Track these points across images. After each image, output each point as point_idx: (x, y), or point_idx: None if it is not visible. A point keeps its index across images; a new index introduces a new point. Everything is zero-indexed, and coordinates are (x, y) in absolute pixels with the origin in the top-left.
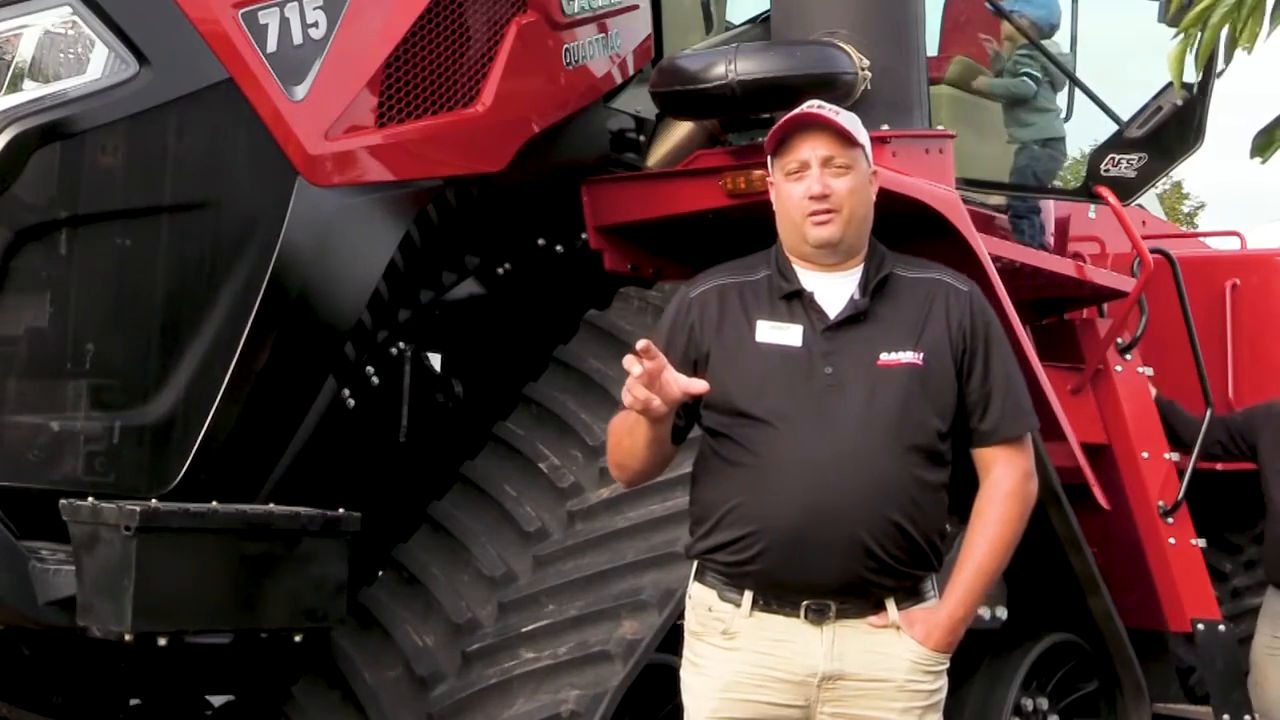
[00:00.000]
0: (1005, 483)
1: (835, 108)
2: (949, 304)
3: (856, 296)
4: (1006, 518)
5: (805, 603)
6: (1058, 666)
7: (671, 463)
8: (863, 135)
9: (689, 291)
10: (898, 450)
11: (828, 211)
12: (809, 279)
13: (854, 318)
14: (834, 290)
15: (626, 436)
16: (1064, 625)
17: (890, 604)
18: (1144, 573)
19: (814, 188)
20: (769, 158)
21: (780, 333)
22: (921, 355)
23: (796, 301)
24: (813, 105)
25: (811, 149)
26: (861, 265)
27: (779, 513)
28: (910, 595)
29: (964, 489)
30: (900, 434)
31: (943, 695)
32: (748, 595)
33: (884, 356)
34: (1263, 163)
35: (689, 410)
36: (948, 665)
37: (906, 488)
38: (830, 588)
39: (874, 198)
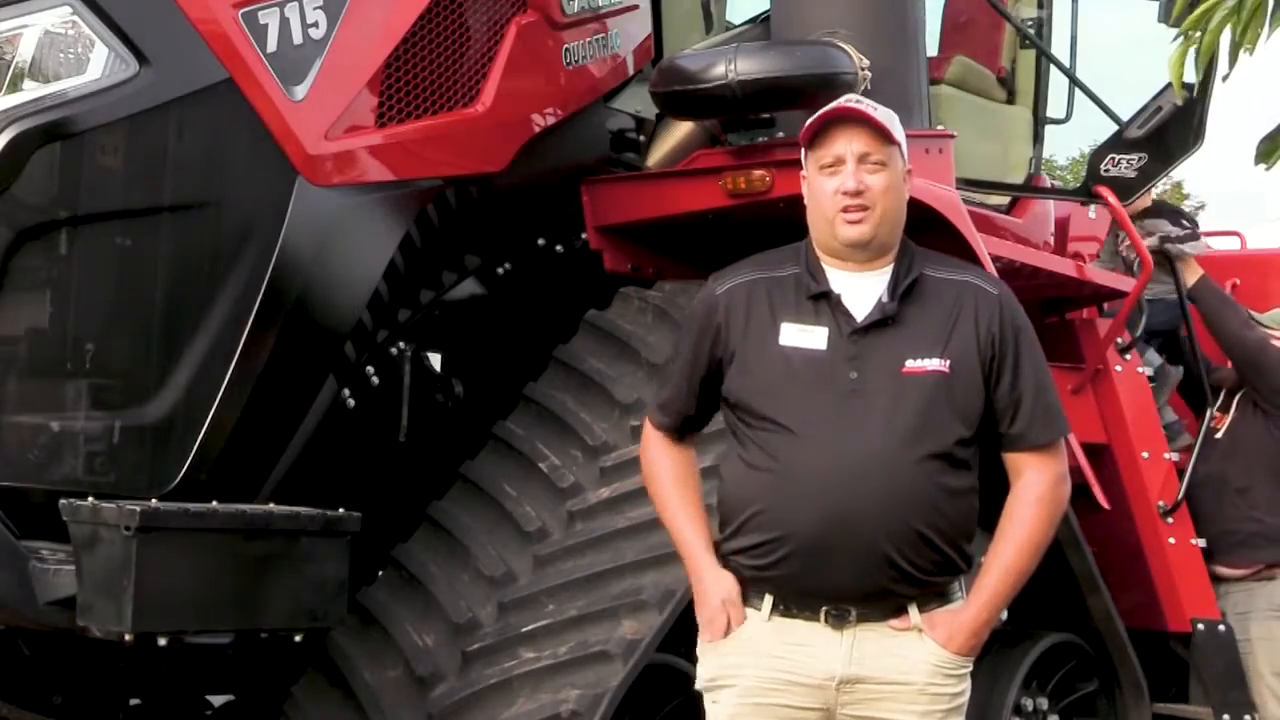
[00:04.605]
0: (1035, 488)
1: (874, 104)
2: (978, 308)
3: (885, 300)
4: (1034, 522)
5: (825, 608)
6: (1058, 666)
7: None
8: (899, 133)
9: (716, 288)
10: (921, 458)
11: (861, 209)
12: (838, 278)
13: (881, 322)
14: (862, 291)
15: (664, 512)
16: (1064, 625)
17: (912, 608)
18: (1144, 573)
19: (848, 183)
20: (803, 150)
21: (805, 335)
22: (948, 363)
23: (824, 302)
24: (851, 99)
25: (848, 144)
26: (891, 265)
27: (800, 521)
28: (936, 598)
29: (995, 494)
30: (924, 442)
31: (965, 699)
32: (768, 600)
33: (909, 364)
34: (1267, 169)
35: (704, 405)
36: (970, 668)
37: (930, 496)
38: (851, 595)
39: (907, 196)
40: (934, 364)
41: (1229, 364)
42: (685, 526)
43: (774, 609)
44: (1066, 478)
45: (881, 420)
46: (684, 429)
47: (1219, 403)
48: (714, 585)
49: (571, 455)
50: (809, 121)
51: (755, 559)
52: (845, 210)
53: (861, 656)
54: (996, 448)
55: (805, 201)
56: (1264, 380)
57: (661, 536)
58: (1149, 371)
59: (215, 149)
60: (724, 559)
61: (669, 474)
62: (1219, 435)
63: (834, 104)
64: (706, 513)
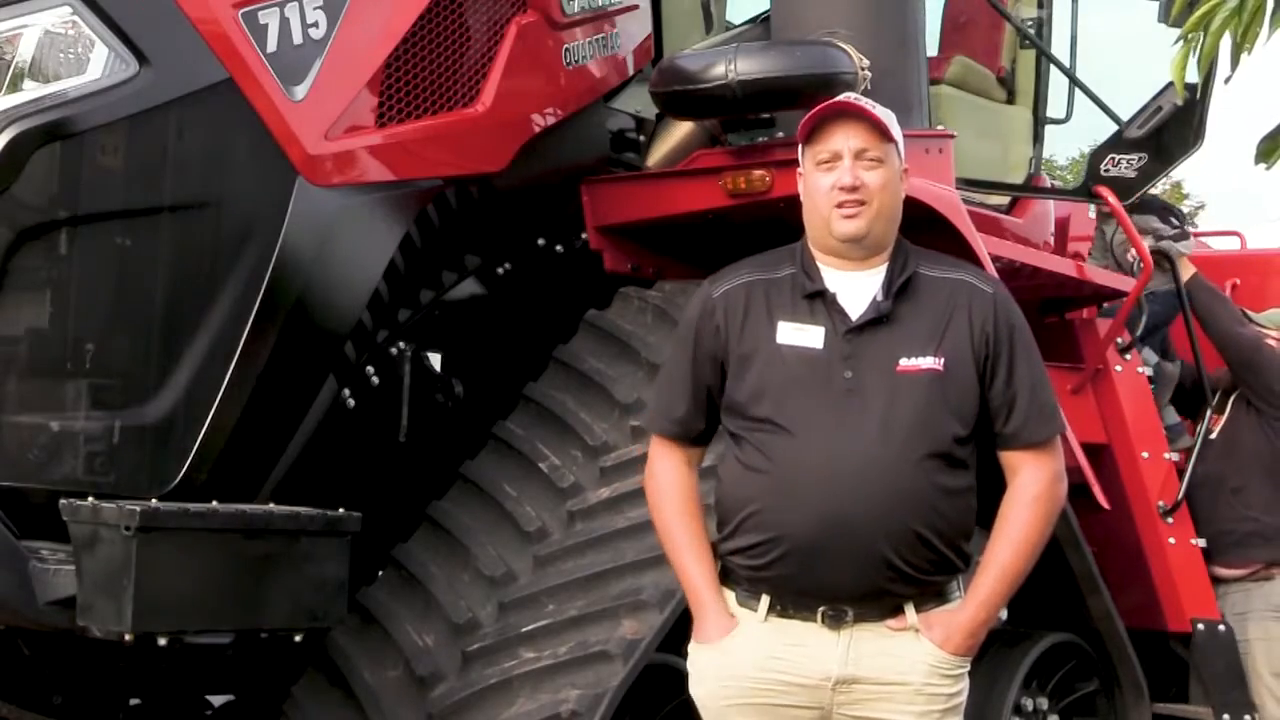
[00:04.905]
0: (1032, 486)
1: (872, 101)
2: (972, 306)
3: (879, 298)
4: (1031, 521)
5: (822, 608)
6: (1058, 666)
7: None
8: (897, 131)
9: (712, 290)
10: (917, 458)
11: (857, 204)
12: (832, 277)
13: (876, 320)
14: (857, 290)
15: (669, 542)
16: (1064, 625)
17: (909, 608)
18: (1144, 573)
19: (844, 179)
20: (800, 146)
21: (801, 334)
22: (942, 361)
23: (819, 301)
24: (849, 96)
25: (845, 139)
26: (886, 264)
27: (796, 522)
28: (933, 598)
29: (991, 493)
30: (920, 442)
31: (963, 698)
32: (764, 600)
33: (904, 362)
34: (1267, 169)
35: (711, 414)
36: (968, 668)
37: (927, 496)
38: (848, 596)
39: (903, 195)
40: (928, 362)
41: (1221, 363)
42: (691, 563)
43: (770, 609)
44: (1063, 476)
45: (878, 420)
46: (694, 440)
47: (1214, 402)
48: (715, 627)
49: (571, 455)
50: (806, 116)
51: (752, 559)
52: (841, 205)
53: (858, 657)
54: (993, 446)
55: (801, 198)
56: (1258, 379)
57: None
58: (1148, 371)
59: (215, 149)
60: (721, 559)
61: (676, 503)
62: (1213, 435)
63: (832, 100)
64: (708, 539)
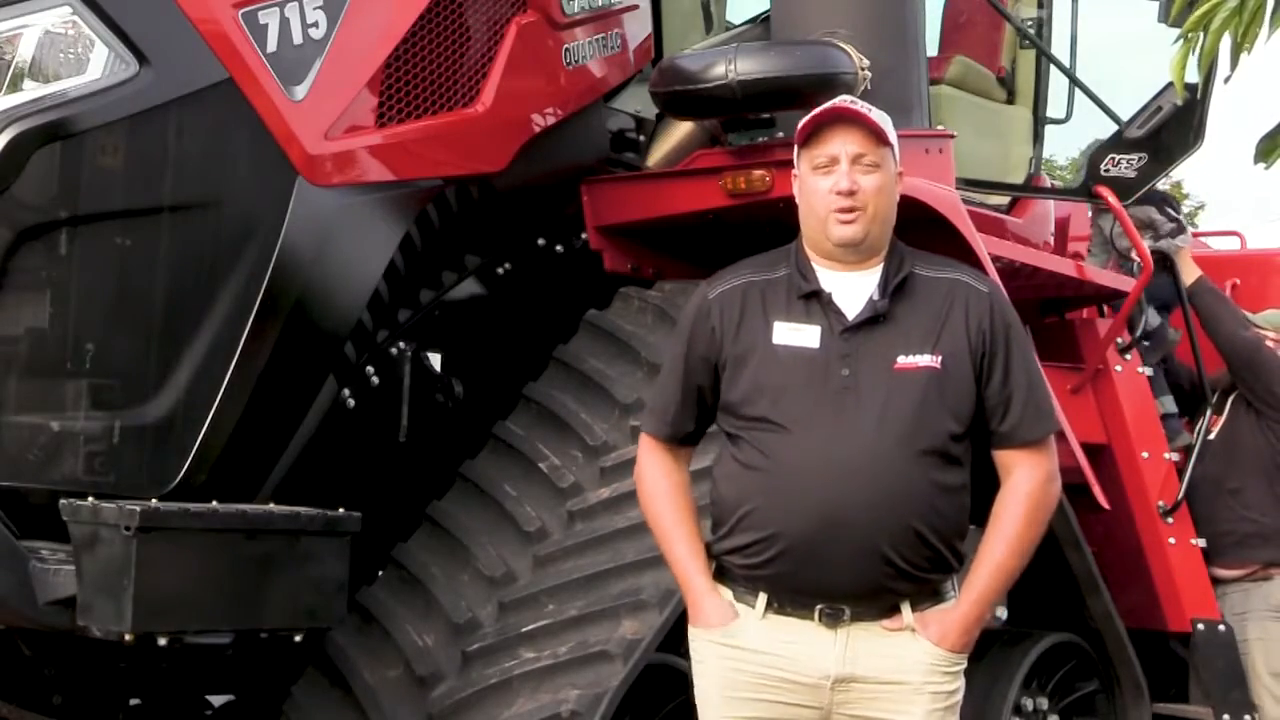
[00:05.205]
0: (1025, 485)
1: (868, 105)
2: (968, 306)
3: (876, 298)
4: (1025, 519)
5: (819, 606)
6: (1058, 666)
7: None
8: (894, 135)
9: (708, 291)
10: (914, 455)
11: (853, 210)
12: (828, 278)
13: (872, 319)
14: (853, 290)
15: (661, 537)
16: (1064, 625)
17: (905, 606)
18: (1144, 573)
19: (842, 184)
20: (796, 148)
21: (798, 334)
22: (939, 359)
23: (815, 302)
24: (846, 100)
25: (842, 144)
26: (881, 264)
27: (794, 519)
28: (929, 596)
29: (985, 491)
30: (916, 439)
31: (960, 696)
32: (762, 598)
33: (901, 360)
34: (1266, 168)
35: (702, 415)
36: (964, 666)
37: (924, 493)
38: (846, 593)
39: (898, 198)
40: (925, 360)
41: (1221, 365)
42: (683, 553)
43: (768, 607)
44: (1056, 475)
45: (874, 418)
46: (683, 440)
47: (1214, 403)
48: (713, 612)
49: (571, 455)
50: (804, 120)
51: (748, 558)
52: (838, 210)
53: (855, 656)
54: (987, 445)
55: (796, 200)
56: (1258, 381)
57: None
58: (1147, 371)
59: (215, 149)
60: (717, 558)
61: (666, 498)
62: (1212, 436)
63: (829, 104)
64: (700, 532)
